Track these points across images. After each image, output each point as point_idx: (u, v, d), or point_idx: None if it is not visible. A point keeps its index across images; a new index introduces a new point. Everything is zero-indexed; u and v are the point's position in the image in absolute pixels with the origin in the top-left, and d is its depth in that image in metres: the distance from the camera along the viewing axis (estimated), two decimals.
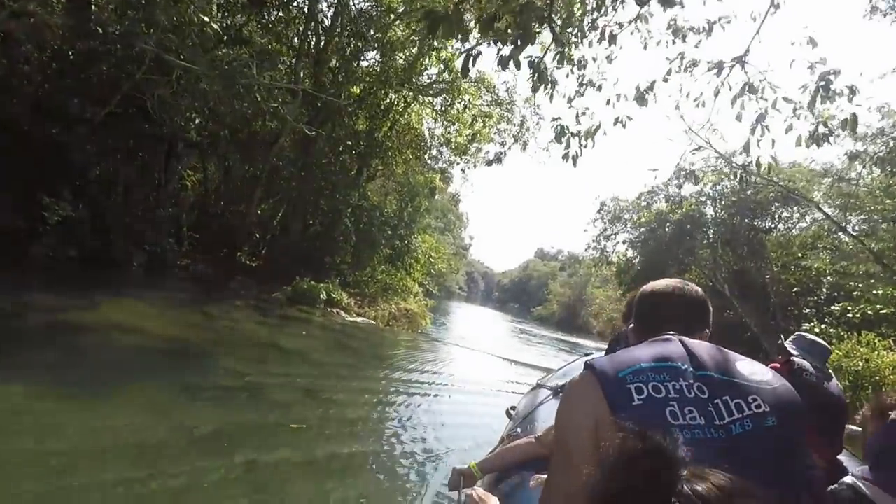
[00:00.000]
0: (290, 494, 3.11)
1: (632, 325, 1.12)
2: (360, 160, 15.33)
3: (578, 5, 3.88)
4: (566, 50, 3.65)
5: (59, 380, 3.93)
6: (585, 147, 3.77)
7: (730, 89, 3.72)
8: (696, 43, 3.98)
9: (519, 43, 2.55)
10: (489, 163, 17.23)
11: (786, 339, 2.28)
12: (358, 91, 14.56)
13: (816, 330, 9.43)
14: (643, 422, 0.55)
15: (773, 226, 17.18)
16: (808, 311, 13.80)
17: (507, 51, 2.75)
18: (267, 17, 12.73)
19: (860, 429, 1.70)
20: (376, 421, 5.06)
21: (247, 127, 12.49)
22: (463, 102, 15.74)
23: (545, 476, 0.88)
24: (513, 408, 2.79)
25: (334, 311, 11.82)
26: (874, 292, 9.70)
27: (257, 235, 14.82)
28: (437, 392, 6.75)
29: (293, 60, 13.08)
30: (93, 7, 8.29)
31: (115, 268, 9.37)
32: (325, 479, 3.44)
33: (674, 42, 4.05)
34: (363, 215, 14.48)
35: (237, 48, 10.37)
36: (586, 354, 4.27)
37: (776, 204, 16.18)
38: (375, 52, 14.25)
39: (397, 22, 13.40)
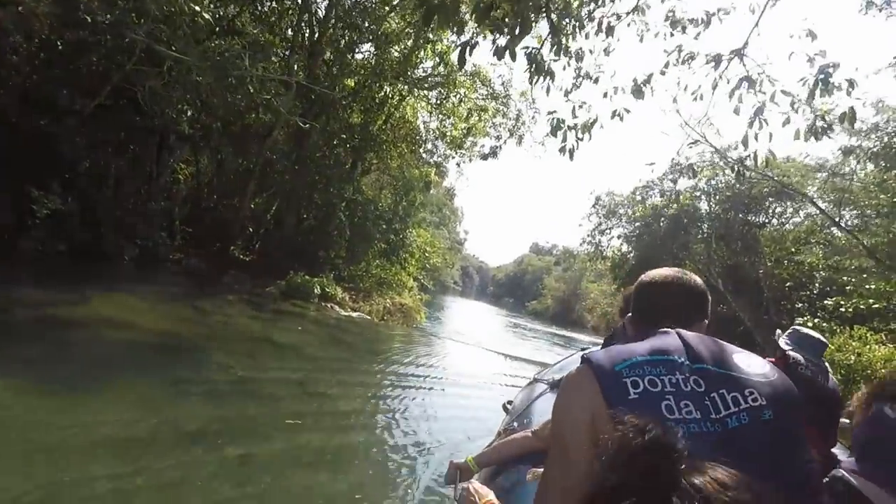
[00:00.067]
0: (282, 488, 3.10)
1: (629, 316, 1.10)
2: (354, 154, 15.23)
3: None
4: (563, 41, 3.61)
5: (48, 375, 3.88)
6: (582, 140, 3.75)
7: (728, 82, 3.70)
8: (694, 35, 3.96)
9: (517, 32, 2.52)
10: (485, 157, 17.31)
11: (782, 333, 2.27)
12: (352, 84, 14.45)
13: (809, 324, 9.51)
14: (639, 416, 0.54)
15: (766, 221, 17.32)
16: (800, 305, 13.90)
17: (503, 41, 2.72)
18: (260, 8, 12.53)
19: (848, 420, 1.70)
20: (370, 415, 5.05)
21: (240, 119, 12.36)
22: (458, 96, 15.64)
23: (542, 470, 0.87)
24: (509, 402, 2.80)
25: (328, 305, 11.78)
26: (867, 287, 9.76)
27: (251, 229, 14.73)
28: (431, 386, 6.76)
29: (287, 52, 12.96)
30: None
31: (105, 262, 9.24)
32: (317, 472, 3.43)
33: (672, 34, 4.03)
34: (358, 209, 14.42)
35: (229, 39, 10.24)
36: (583, 349, 4.28)
37: (770, 199, 16.29)
38: (370, 44, 14.13)
39: (392, 14, 13.29)
